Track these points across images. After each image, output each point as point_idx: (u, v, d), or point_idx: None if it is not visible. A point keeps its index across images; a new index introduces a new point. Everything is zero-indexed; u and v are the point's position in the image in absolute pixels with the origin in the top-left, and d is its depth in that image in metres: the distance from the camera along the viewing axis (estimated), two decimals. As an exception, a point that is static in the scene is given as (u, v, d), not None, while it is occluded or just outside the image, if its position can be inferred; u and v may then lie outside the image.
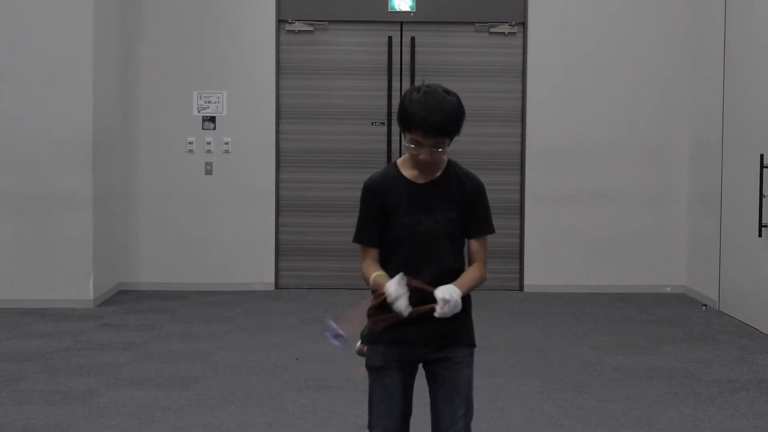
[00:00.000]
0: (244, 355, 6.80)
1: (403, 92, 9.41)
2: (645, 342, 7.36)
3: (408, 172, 3.37)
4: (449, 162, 3.40)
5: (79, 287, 8.41)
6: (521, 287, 9.49)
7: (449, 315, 3.18)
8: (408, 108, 3.24)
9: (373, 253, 3.38)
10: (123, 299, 8.92)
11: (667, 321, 8.18)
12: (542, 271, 9.45)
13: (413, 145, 3.27)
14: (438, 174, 3.36)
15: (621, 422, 5.35)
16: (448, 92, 3.27)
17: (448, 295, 3.17)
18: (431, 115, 3.20)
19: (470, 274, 3.35)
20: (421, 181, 3.36)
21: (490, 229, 3.43)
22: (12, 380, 6.09)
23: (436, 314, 3.18)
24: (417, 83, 3.33)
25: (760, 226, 7.67)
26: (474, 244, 3.41)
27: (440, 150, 3.27)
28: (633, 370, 6.48)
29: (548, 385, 6.08)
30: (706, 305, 8.78)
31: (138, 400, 5.66)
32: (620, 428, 5.25)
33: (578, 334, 7.60)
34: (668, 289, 9.49)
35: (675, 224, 9.52)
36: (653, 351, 7.06)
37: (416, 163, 3.33)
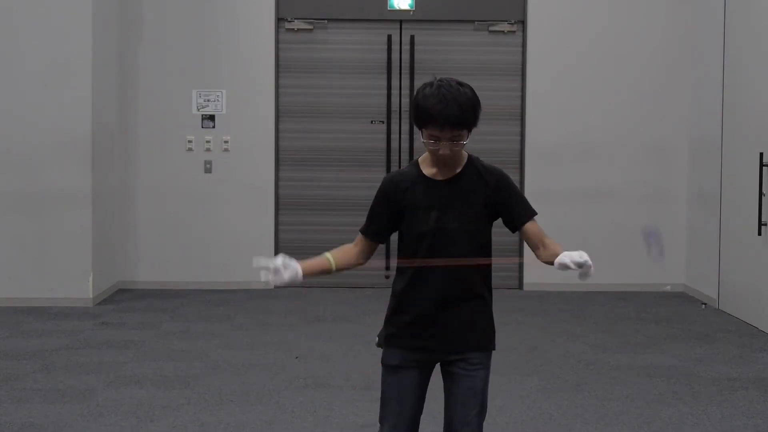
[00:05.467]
0: (243, 354, 6.80)
1: (402, 92, 9.44)
2: (644, 340, 7.35)
3: (428, 170, 3.35)
4: (469, 158, 3.38)
5: (78, 286, 8.41)
6: (521, 285, 9.49)
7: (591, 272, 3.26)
8: (421, 103, 3.22)
9: (364, 244, 3.39)
10: (122, 298, 8.92)
11: (666, 319, 8.18)
12: (541, 269, 9.37)
13: (432, 141, 3.24)
14: (457, 171, 3.35)
15: (620, 420, 5.34)
16: (461, 84, 3.27)
17: (580, 258, 3.27)
18: (446, 108, 3.19)
19: (555, 247, 3.37)
20: (439, 178, 3.34)
21: (532, 212, 3.39)
22: (11, 378, 6.08)
23: (583, 278, 3.26)
24: (426, 80, 3.31)
25: (760, 224, 7.67)
26: (528, 230, 3.37)
27: (459, 143, 3.26)
28: (632, 368, 6.48)
29: (547, 383, 6.08)
30: (705, 304, 8.77)
31: (137, 399, 5.66)
32: (619, 426, 5.25)
33: (577, 333, 7.60)
34: (667, 288, 9.49)
35: (674, 222, 9.52)
36: (652, 349, 7.06)
37: (435, 160, 3.31)
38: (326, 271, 3.40)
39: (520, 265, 9.45)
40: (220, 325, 7.77)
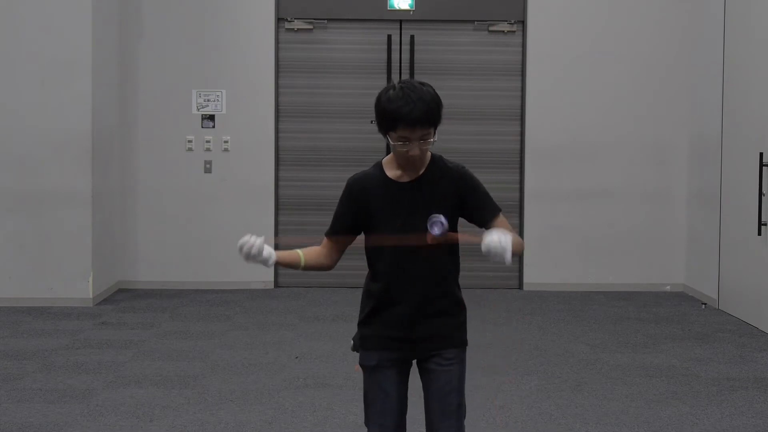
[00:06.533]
0: (243, 354, 6.80)
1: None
2: (644, 340, 7.36)
3: (391, 172, 3.36)
4: (433, 157, 3.38)
5: (78, 286, 8.41)
6: (520, 285, 9.48)
7: (501, 257, 3.10)
8: (388, 107, 3.23)
9: (330, 246, 3.43)
10: (122, 298, 8.92)
11: (666, 319, 8.18)
12: (541, 269, 9.44)
13: (401, 143, 3.26)
14: (422, 172, 3.35)
15: (620, 420, 5.35)
16: (422, 83, 3.28)
17: (489, 240, 3.10)
18: (415, 108, 3.19)
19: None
20: (404, 180, 3.35)
21: (496, 210, 3.38)
22: (11, 378, 6.09)
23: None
24: (392, 83, 3.31)
25: (760, 224, 7.67)
26: (495, 224, 3.33)
27: (429, 141, 3.26)
28: (632, 368, 6.48)
29: (547, 383, 6.08)
30: (705, 303, 8.77)
31: (136, 399, 5.66)
32: (619, 426, 5.25)
33: (577, 333, 7.60)
34: (667, 288, 9.49)
35: (674, 222, 9.52)
36: (652, 349, 7.06)
37: (402, 162, 3.32)
38: (295, 266, 3.41)
39: (520, 265, 9.45)
40: (219, 325, 7.77)
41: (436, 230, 3.18)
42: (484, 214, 3.36)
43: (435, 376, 3.37)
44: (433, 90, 3.28)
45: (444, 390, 3.36)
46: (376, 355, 3.39)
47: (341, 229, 3.43)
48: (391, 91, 3.25)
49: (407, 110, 3.19)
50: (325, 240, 3.46)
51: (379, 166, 3.41)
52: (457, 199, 3.33)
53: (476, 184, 3.38)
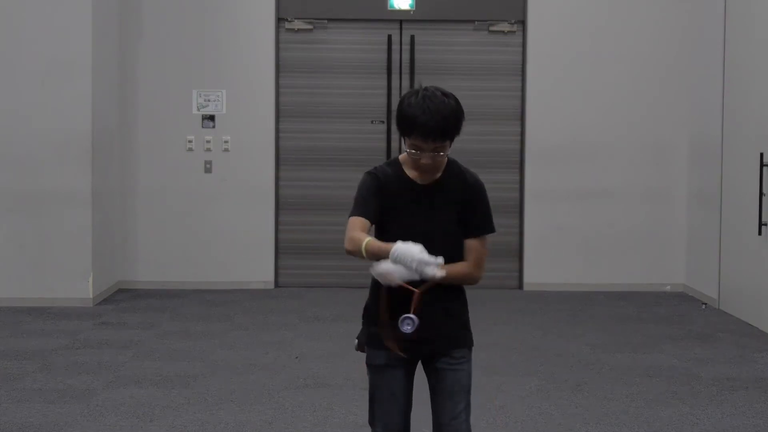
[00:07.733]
0: (243, 354, 6.80)
1: (402, 92, 9.43)
2: (644, 340, 7.35)
3: (410, 172, 3.37)
4: (449, 161, 3.39)
5: (78, 286, 8.41)
6: (520, 286, 9.48)
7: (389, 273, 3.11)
8: (406, 113, 3.23)
9: (364, 223, 3.28)
10: (122, 298, 8.92)
11: (666, 319, 8.18)
12: (541, 269, 9.44)
13: (414, 150, 3.26)
14: (439, 175, 3.36)
15: (620, 420, 5.35)
16: (445, 95, 3.26)
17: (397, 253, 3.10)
18: (430, 120, 3.19)
19: (457, 266, 3.30)
20: (421, 181, 3.35)
21: (490, 229, 3.39)
22: (11, 378, 6.09)
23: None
24: (416, 84, 3.31)
25: (760, 224, 7.67)
26: (469, 244, 3.35)
27: (441, 154, 3.27)
28: (632, 368, 6.48)
29: (547, 383, 6.08)
30: (705, 304, 8.77)
31: (137, 399, 5.66)
32: (619, 426, 5.25)
33: (577, 333, 7.60)
34: (668, 288, 9.49)
35: (674, 222, 9.52)
36: (652, 349, 7.06)
37: (414, 167, 3.33)
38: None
39: (520, 265, 9.44)
40: (220, 325, 7.77)
41: (407, 328, 3.19)
42: (475, 227, 3.35)
43: (443, 375, 3.38)
44: (455, 102, 3.26)
45: (453, 389, 3.37)
46: (384, 354, 3.37)
47: (372, 210, 3.30)
48: (413, 98, 3.24)
49: (423, 120, 3.19)
50: (358, 221, 3.28)
51: (396, 163, 3.40)
52: (461, 205, 3.33)
53: (484, 199, 3.39)
